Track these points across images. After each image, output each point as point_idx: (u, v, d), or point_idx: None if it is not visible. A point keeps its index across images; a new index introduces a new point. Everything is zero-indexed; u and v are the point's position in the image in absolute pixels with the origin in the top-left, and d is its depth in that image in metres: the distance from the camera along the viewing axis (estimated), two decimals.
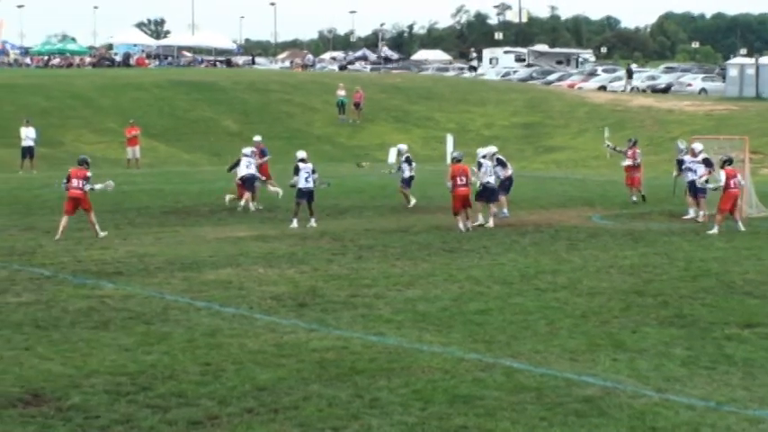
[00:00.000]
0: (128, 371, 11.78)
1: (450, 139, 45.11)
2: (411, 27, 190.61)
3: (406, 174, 28.64)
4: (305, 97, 57.53)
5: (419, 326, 14.15)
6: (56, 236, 21.93)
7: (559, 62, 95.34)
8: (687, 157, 26.42)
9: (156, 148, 47.03)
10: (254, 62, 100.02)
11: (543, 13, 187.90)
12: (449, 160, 28.76)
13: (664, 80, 71.23)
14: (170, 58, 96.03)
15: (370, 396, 10.91)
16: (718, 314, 14.93)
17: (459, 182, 23.43)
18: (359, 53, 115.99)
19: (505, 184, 26.23)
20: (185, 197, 30.43)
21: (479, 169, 24.89)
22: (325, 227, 24.05)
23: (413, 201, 28.47)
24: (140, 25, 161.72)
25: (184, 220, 25.68)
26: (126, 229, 23.78)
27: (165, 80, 59.40)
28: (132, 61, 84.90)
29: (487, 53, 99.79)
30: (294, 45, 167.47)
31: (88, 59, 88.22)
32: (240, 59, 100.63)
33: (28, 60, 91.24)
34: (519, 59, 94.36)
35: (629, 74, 71.47)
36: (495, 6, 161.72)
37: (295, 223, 24.18)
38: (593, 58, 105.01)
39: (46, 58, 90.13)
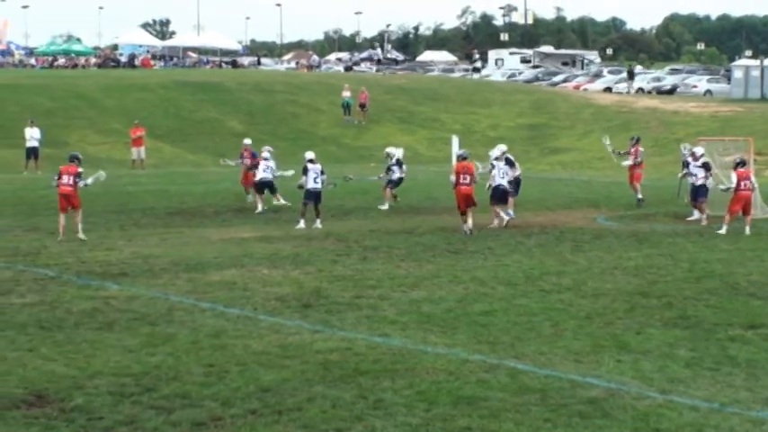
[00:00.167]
0: (132, 372, 11.79)
1: (455, 141, 44.97)
2: (417, 28, 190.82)
3: (396, 175, 28.59)
4: (310, 98, 57.56)
5: (424, 327, 14.15)
6: (58, 237, 21.92)
7: (565, 63, 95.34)
8: (692, 160, 26.40)
9: (161, 148, 47.09)
10: (259, 63, 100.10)
11: (549, 14, 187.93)
12: (454, 161, 28.72)
13: (669, 82, 71.19)
14: (175, 59, 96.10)
15: (374, 397, 10.91)
16: (722, 315, 14.92)
17: (462, 180, 23.32)
18: (364, 54, 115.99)
19: (513, 185, 26.09)
20: (190, 198, 30.45)
21: (491, 171, 24.82)
22: (329, 228, 24.05)
23: (387, 204, 28.34)
24: (145, 26, 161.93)
25: (189, 221, 25.70)
26: (131, 230, 23.80)
27: (171, 81, 59.46)
28: (137, 62, 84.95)
29: (493, 54, 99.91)
30: (300, 46, 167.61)
31: (93, 60, 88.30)
32: (246, 60, 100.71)
33: (33, 61, 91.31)
34: (524, 61, 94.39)
35: (631, 75, 71.46)
36: (501, 8, 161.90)
37: (302, 224, 24.19)
38: (598, 60, 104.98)
39: (51, 58, 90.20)
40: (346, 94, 55.10)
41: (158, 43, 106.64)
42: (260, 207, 27.31)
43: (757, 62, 64.06)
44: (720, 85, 66.29)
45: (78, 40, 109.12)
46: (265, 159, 27.69)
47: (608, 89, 68.93)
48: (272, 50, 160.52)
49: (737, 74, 61.46)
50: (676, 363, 12.37)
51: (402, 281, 17.55)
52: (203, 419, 10.22)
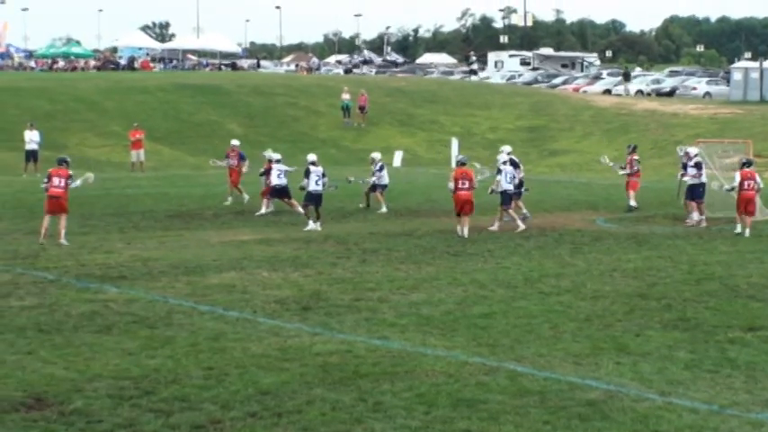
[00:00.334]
0: (131, 375, 11.79)
1: (454, 143, 45.11)
2: (416, 30, 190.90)
3: (382, 181, 28.54)
4: (310, 101, 57.55)
5: (423, 329, 14.15)
6: (39, 239, 21.80)
7: (564, 66, 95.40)
8: (685, 160, 26.40)
9: (161, 151, 47.08)
10: (259, 65, 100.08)
11: (548, 16, 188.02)
12: (453, 164, 28.73)
13: (668, 84, 71.16)
14: (175, 62, 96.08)
15: (373, 400, 10.91)
16: (721, 317, 14.93)
17: (461, 185, 23.32)
18: (357, 58, 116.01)
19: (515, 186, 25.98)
20: (190, 201, 30.44)
21: (499, 176, 24.77)
22: (329, 230, 24.05)
23: (363, 204, 28.35)
24: (145, 28, 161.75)
25: (189, 223, 25.70)
26: (130, 233, 23.79)
27: (170, 83, 59.45)
28: (137, 64, 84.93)
29: (492, 57, 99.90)
30: (299, 48, 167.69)
31: (92, 63, 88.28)
32: (245, 63, 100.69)
33: (32, 63, 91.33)
34: (524, 63, 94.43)
35: (627, 77, 71.53)
36: (501, 10, 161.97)
37: (311, 224, 24.16)
38: (598, 62, 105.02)
39: (50, 61, 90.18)
40: (346, 96, 55.10)
41: (158, 46, 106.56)
42: (264, 209, 27.29)
43: (756, 64, 64.04)
44: (720, 87, 66.28)
45: (78, 42, 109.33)
46: (278, 162, 27.54)
47: (607, 91, 68.93)
48: (272, 53, 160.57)
49: (737, 76, 61.46)
50: (676, 365, 12.37)
51: (401, 283, 17.55)
52: (202, 422, 10.22)
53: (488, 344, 13.35)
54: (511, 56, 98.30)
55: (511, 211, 24.84)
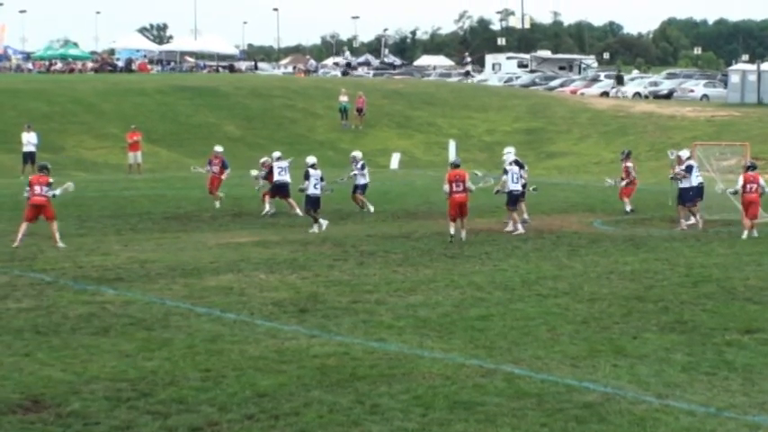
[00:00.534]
0: (128, 377, 11.79)
1: (452, 145, 45.10)
2: (414, 33, 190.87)
3: (362, 180, 28.54)
4: (307, 103, 57.54)
5: (420, 332, 14.15)
6: (14, 243, 21.73)
7: (562, 68, 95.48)
8: (691, 162, 26.36)
9: (158, 153, 47.04)
10: (256, 67, 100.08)
11: (546, 19, 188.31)
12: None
13: (666, 86, 71.20)
14: (172, 64, 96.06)
15: (371, 402, 10.91)
16: (718, 320, 14.94)
17: (455, 188, 23.06)
18: (361, 58, 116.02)
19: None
20: (187, 203, 30.43)
21: (505, 176, 24.71)
22: (326, 232, 24.05)
23: (371, 207, 28.38)
24: (143, 30, 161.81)
25: (186, 225, 25.69)
26: (127, 235, 23.79)
27: (168, 85, 59.41)
28: (134, 66, 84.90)
29: (490, 59, 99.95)
30: (297, 50, 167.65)
31: (90, 65, 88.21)
32: (243, 65, 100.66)
33: (30, 65, 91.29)
34: (521, 65, 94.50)
35: (620, 80, 71.60)
36: (498, 12, 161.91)
37: (319, 226, 24.13)
38: (595, 64, 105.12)
39: (48, 63, 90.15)
40: (343, 98, 55.08)
41: (155, 48, 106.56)
42: (267, 207, 27.33)
43: (754, 66, 64.14)
44: (717, 89, 66.30)
45: (75, 44, 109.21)
46: (278, 159, 27.76)
47: (605, 93, 68.99)
48: (270, 55, 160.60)
49: (734, 78, 61.51)
50: (673, 367, 12.38)
51: (399, 285, 17.56)
52: (200, 425, 10.23)
53: (485, 346, 13.35)
54: (508, 58, 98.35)
55: (513, 214, 24.74)
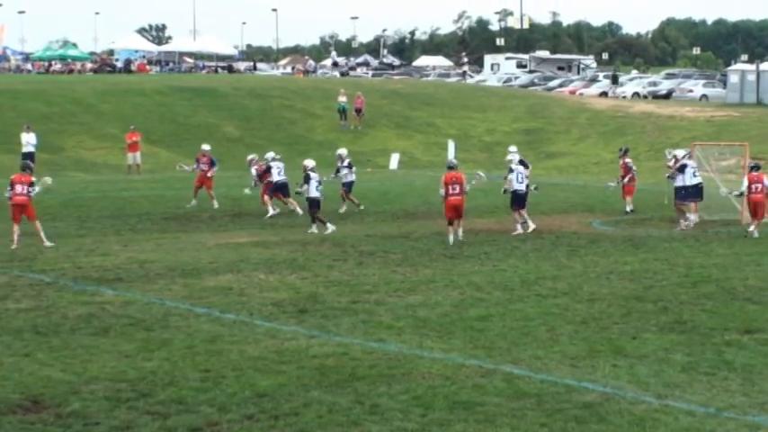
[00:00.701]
0: (128, 377, 11.79)
1: (451, 145, 45.09)
2: (413, 33, 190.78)
3: (348, 178, 28.53)
4: (306, 103, 57.51)
5: (420, 332, 14.16)
6: (12, 245, 21.67)
7: (561, 68, 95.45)
8: (691, 162, 26.36)
9: (157, 153, 47.01)
10: (255, 68, 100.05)
11: (545, 19, 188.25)
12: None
13: (665, 86, 71.18)
14: (171, 64, 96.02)
15: (370, 402, 10.92)
16: (718, 320, 14.94)
17: (451, 190, 22.73)
18: (360, 59, 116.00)
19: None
20: (186, 203, 30.38)
21: (510, 175, 24.64)
22: (326, 235, 24.03)
23: (361, 206, 28.39)
24: (142, 31, 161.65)
25: (185, 226, 25.69)
26: (127, 235, 23.79)
27: (167, 86, 59.38)
28: (133, 67, 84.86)
29: (489, 59, 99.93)
30: (296, 51, 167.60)
31: (89, 65, 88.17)
32: (242, 65, 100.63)
33: (29, 66, 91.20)
34: (520, 65, 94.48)
35: (615, 80, 71.66)
36: (497, 12, 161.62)
37: (330, 226, 24.13)
38: (594, 65, 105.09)
39: (47, 63, 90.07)
40: (342, 99, 55.04)
41: (154, 48, 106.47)
42: (271, 210, 27.33)
43: (753, 66, 64.11)
44: (716, 89, 66.28)
45: (74, 45, 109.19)
46: (275, 160, 27.86)
47: (604, 94, 68.99)
48: (269, 55, 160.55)
49: (733, 78, 61.47)
50: (672, 367, 12.38)
51: (398, 286, 17.56)
52: (199, 425, 10.23)
53: (485, 346, 13.36)
54: (507, 58, 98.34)
55: (515, 214, 24.67)
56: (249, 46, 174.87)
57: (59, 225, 25.34)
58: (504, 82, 79.90)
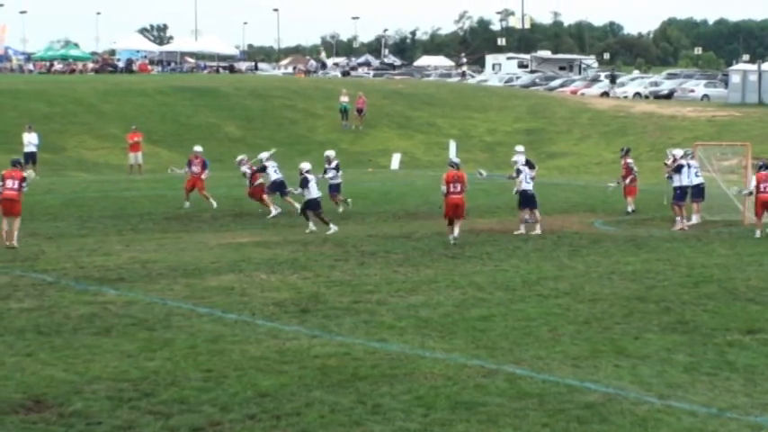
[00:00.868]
0: (130, 377, 11.80)
1: (452, 145, 45.09)
2: (414, 33, 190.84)
3: (335, 180, 28.46)
4: (307, 103, 57.54)
5: (422, 332, 14.16)
6: (6, 242, 21.55)
7: (562, 68, 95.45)
8: (693, 162, 26.35)
9: (159, 153, 47.04)
10: (256, 68, 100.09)
11: (546, 19, 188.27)
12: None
13: (666, 86, 71.18)
14: (173, 64, 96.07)
15: (372, 402, 10.92)
16: (720, 320, 14.94)
17: (452, 189, 22.67)
18: (362, 59, 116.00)
19: None
20: (188, 203, 30.39)
21: (518, 177, 24.57)
22: (328, 235, 24.02)
23: (349, 201, 28.38)
24: (143, 31, 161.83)
25: (187, 226, 25.69)
26: (128, 235, 23.79)
27: (168, 86, 59.41)
28: (135, 67, 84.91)
29: (490, 59, 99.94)
30: (297, 51, 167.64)
31: (91, 65, 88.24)
32: (243, 65, 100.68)
33: (30, 66, 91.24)
34: (522, 65, 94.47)
35: (613, 80, 71.69)
36: (498, 12, 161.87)
37: (333, 227, 24.12)
38: (596, 65, 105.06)
39: (48, 63, 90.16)
40: (344, 99, 55.05)
41: (156, 48, 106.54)
42: (273, 211, 27.34)
43: (755, 66, 64.07)
44: (718, 89, 66.26)
45: (76, 45, 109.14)
46: (269, 160, 27.90)
47: (605, 94, 69.00)
48: (270, 55, 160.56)
49: (735, 78, 61.47)
50: (674, 368, 12.38)
51: (400, 286, 17.56)
52: (202, 424, 10.23)
53: (487, 346, 13.36)
54: (508, 58, 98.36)
55: (521, 214, 24.64)
56: (250, 46, 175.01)
57: (61, 225, 25.36)
58: (506, 82, 79.91)
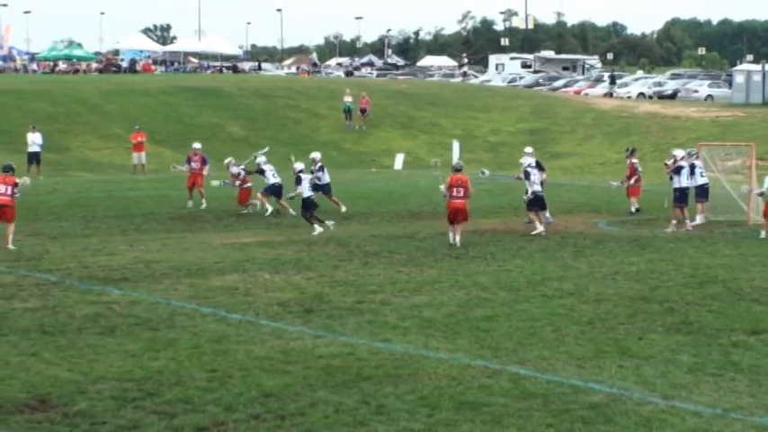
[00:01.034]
0: (134, 377, 11.81)
1: (456, 146, 45.07)
2: (417, 33, 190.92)
3: (324, 180, 28.29)
4: (311, 103, 57.54)
5: (425, 332, 14.16)
6: (7, 244, 21.54)
7: (566, 68, 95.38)
8: (698, 162, 26.32)
9: (162, 153, 47.03)
10: (260, 68, 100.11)
11: (549, 19, 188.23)
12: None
13: (670, 86, 71.13)
14: (176, 64, 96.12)
15: (376, 402, 10.92)
16: (724, 321, 14.93)
17: (455, 193, 22.51)
18: (365, 59, 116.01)
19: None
20: (191, 202, 30.39)
21: (528, 178, 24.43)
22: (330, 233, 24.03)
23: (343, 207, 28.30)
24: (146, 31, 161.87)
25: (191, 225, 25.70)
26: (132, 235, 23.80)
27: (171, 86, 59.44)
28: (138, 67, 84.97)
29: (494, 59, 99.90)
30: (300, 51, 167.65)
31: (94, 65, 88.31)
32: (246, 65, 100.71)
33: (34, 66, 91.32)
34: (525, 66, 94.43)
35: (613, 80, 71.68)
36: (502, 12, 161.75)
37: (329, 222, 24.08)
38: (599, 65, 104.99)
39: (52, 63, 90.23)
40: (348, 99, 55.05)
41: (159, 48, 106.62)
42: (270, 208, 27.36)
43: (759, 67, 63.97)
44: (722, 89, 66.21)
45: (79, 45, 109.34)
46: (267, 162, 27.93)
47: (609, 94, 68.98)
48: (273, 55, 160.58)
49: (739, 79, 61.41)
50: (679, 368, 12.37)
51: (403, 286, 17.56)
52: (206, 424, 10.24)
53: (491, 347, 13.36)
54: (512, 58, 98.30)
55: (531, 214, 24.64)
56: (254, 46, 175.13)
57: (65, 225, 25.38)
58: (509, 82, 79.89)
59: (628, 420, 10.42)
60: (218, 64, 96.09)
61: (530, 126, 55.60)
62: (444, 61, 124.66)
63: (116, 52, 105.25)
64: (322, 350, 13.10)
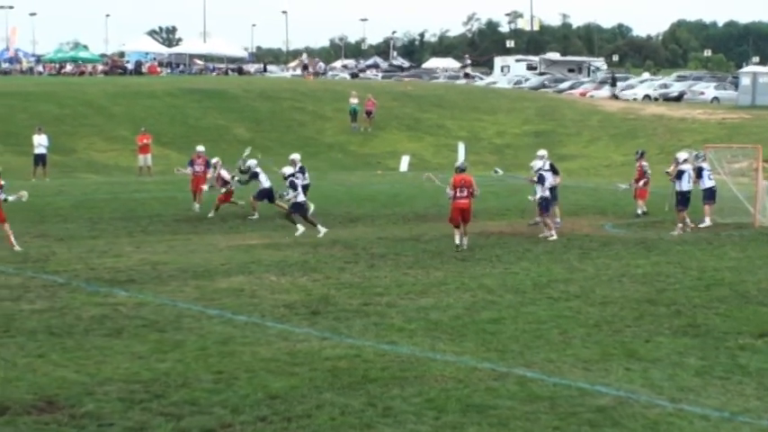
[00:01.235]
0: (141, 378, 11.81)
1: (461, 147, 45.08)
2: (422, 35, 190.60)
3: (303, 182, 28.10)
4: (316, 105, 57.60)
5: (432, 334, 14.15)
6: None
7: (571, 70, 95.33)
8: (705, 165, 26.27)
9: (168, 155, 47.10)
10: (265, 70, 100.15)
11: (555, 21, 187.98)
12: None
13: (676, 88, 71.10)
14: (182, 66, 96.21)
15: (383, 405, 10.91)
16: (731, 324, 14.90)
17: (459, 193, 22.38)
18: (370, 61, 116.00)
19: (553, 193, 25.23)
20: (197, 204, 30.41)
21: (542, 182, 24.23)
22: (337, 235, 24.05)
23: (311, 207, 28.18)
24: (152, 33, 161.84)
25: (197, 227, 25.72)
26: (139, 237, 23.82)
27: (177, 88, 59.54)
28: (144, 69, 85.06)
29: (499, 61, 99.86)
30: (305, 53, 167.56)
31: (100, 67, 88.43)
32: (252, 67, 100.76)
33: (40, 68, 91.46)
34: (530, 68, 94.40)
35: (614, 82, 71.69)
36: (507, 14, 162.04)
37: (321, 228, 24.05)
38: (605, 66, 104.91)
39: (58, 65, 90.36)
40: (353, 101, 55.07)
41: (165, 50, 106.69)
42: (256, 214, 27.32)
43: (765, 68, 64.06)
44: (728, 91, 66.19)
45: (85, 47, 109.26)
46: (257, 166, 27.85)
47: (614, 96, 68.98)
48: (278, 57, 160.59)
49: (745, 81, 61.40)
50: (686, 371, 12.35)
51: (410, 288, 17.55)
52: (213, 426, 10.24)
53: (498, 349, 13.34)
54: (517, 60, 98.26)
55: (545, 219, 24.53)
56: (259, 48, 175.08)
57: (71, 226, 25.41)
58: (515, 84, 79.91)
59: (635, 423, 10.40)
60: (223, 66, 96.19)
61: (535, 128, 55.62)
62: (449, 63, 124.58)
63: (122, 54, 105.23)
64: (328, 352, 13.10)
